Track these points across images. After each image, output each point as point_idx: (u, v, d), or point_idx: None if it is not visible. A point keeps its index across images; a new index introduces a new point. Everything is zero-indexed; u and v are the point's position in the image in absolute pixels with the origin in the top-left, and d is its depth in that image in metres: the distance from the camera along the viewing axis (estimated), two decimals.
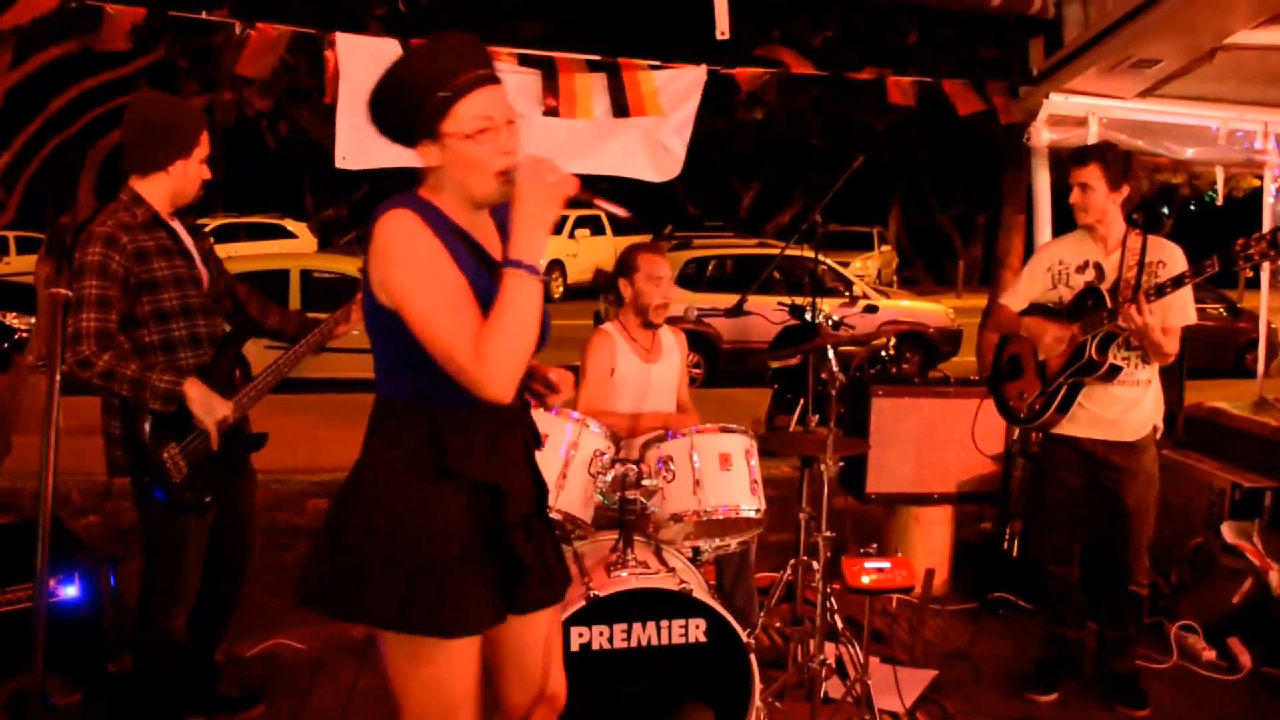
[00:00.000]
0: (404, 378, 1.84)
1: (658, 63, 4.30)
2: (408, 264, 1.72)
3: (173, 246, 2.78)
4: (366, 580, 1.80)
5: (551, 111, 4.06)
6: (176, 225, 2.83)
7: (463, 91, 1.74)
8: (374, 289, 1.78)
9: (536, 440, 2.04)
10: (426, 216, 1.77)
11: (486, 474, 1.84)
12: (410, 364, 1.79)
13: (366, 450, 1.90)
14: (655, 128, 4.27)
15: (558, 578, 2.03)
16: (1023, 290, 3.46)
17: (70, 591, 3.25)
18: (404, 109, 1.77)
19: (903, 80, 4.55)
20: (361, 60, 3.88)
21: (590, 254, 19.84)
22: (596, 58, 4.17)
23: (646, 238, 14.61)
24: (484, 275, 1.79)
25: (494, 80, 1.78)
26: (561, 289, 19.53)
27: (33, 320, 9.32)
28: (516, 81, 4.10)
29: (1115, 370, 3.19)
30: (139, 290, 2.69)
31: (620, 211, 1.80)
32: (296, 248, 19.22)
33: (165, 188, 2.77)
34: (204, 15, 3.84)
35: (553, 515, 2.86)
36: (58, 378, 2.03)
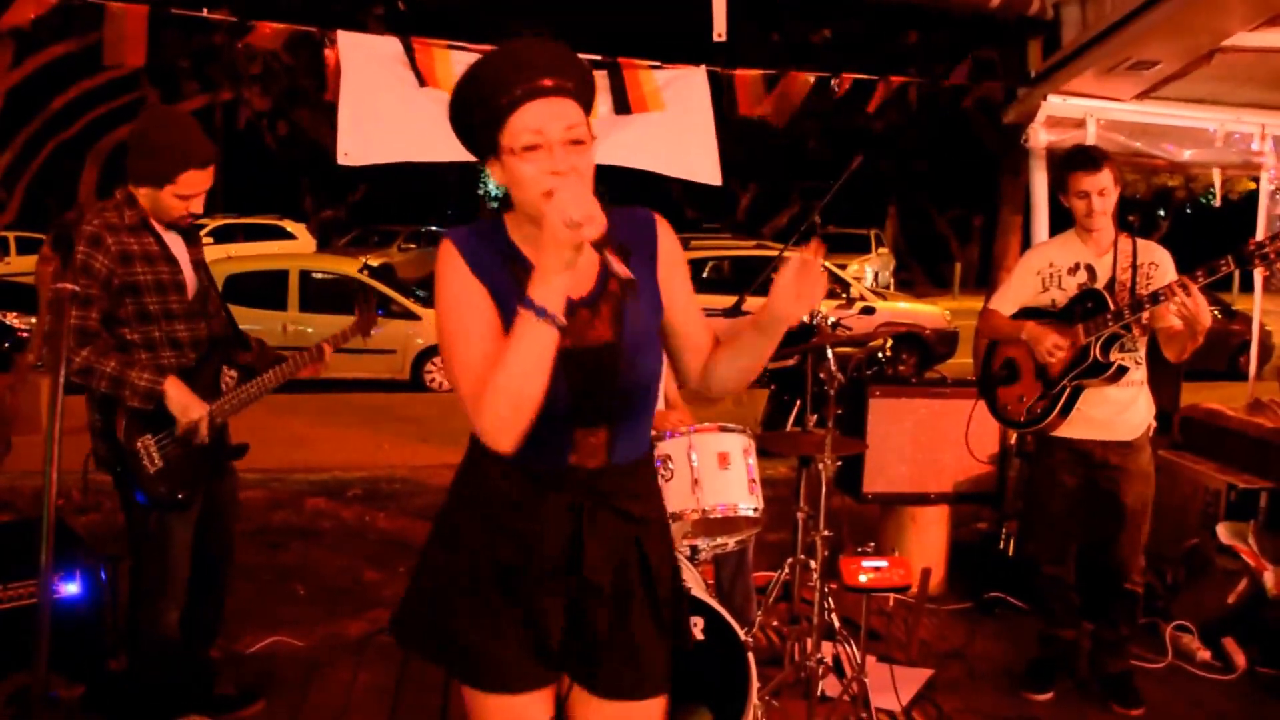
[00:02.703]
0: None
1: (657, 63, 4.31)
2: (438, 294, 1.68)
3: (157, 252, 2.79)
4: (421, 608, 1.80)
5: None
6: (169, 230, 2.84)
7: (517, 103, 1.60)
8: None
9: (629, 518, 1.77)
10: (470, 243, 1.69)
11: (512, 523, 1.72)
12: None
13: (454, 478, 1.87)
14: (673, 124, 4.26)
15: (631, 671, 1.79)
16: (1012, 294, 3.45)
17: (71, 589, 3.25)
18: (467, 121, 1.67)
19: (902, 82, 4.57)
20: (363, 57, 3.87)
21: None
22: (597, 57, 4.18)
23: None
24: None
25: (556, 92, 1.61)
26: None
27: (33, 320, 9.32)
28: None
29: (1122, 371, 3.19)
30: (122, 291, 2.72)
31: (623, 271, 1.55)
32: (295, 248, 19.22)
33: (144, 201, 2.78)
34: (204, 13, 3.84)
35: None
36: (62, 372, 2.04)
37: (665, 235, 1.79)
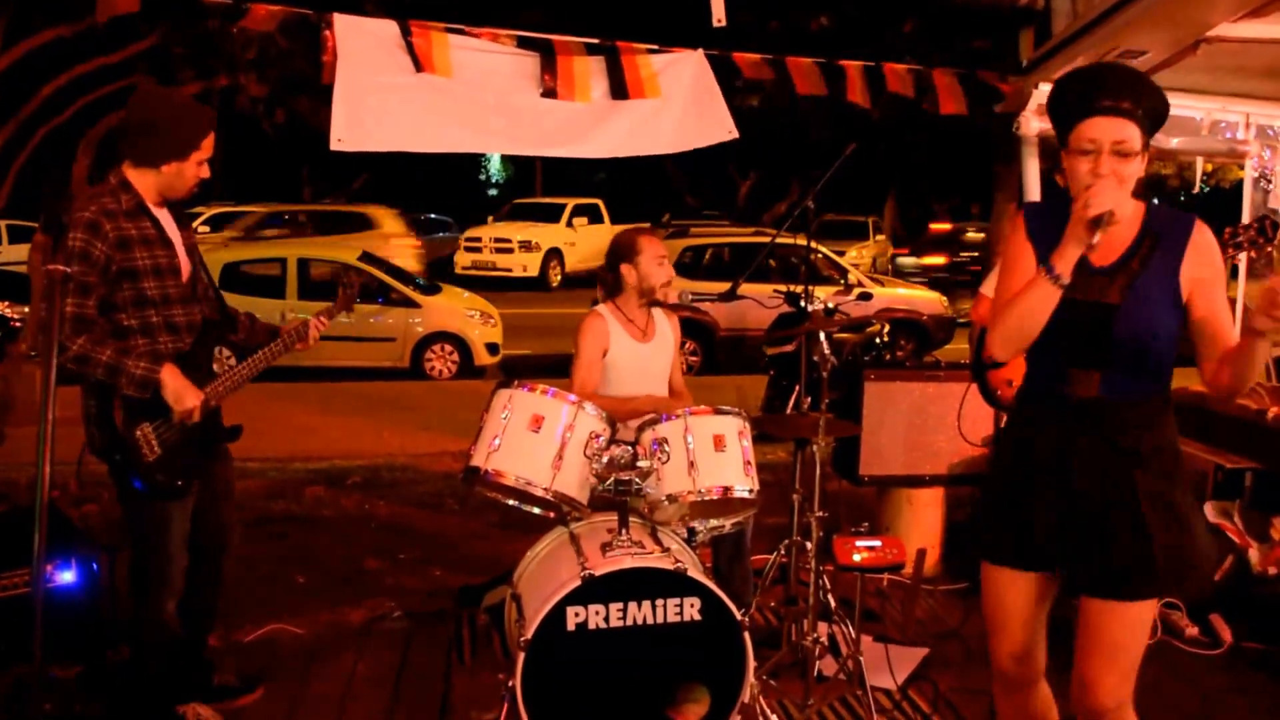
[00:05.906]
0: None
1: (655, 47, 4.31)
2: (1003, 251, 2.33)
3: (155, 236, 2.80)
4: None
5: (550, 92, 4.07)
6: (163, 214, 2.86)
7: (1084, 115, 2.08)
8: None
9: (1115, 446, 2.15)
10: (1038, 216, 2.25)
11: (1020, 433, 2.28)
12: None
13: None
14: (673, 107, 4.27)
15: (1109, 575, 2.15)
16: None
17: (66, 577, 3.25)
18: (1056, 108, 2.16)
19: (898, 69, 4.59)
20: (359, 41, 3.84)
21: (588, 242, 19.83)
22: (595, 40, 4.18)
23: (644, 226, 14.64)
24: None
25: (1115, 112, 2.07)
26: (560, 278, 19.54)
27: (26, 310, 9.31)
28: (514, 63, 4.11)
29: None
30: (120, 277, 2.72)
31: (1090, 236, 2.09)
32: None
33: (154, 182, 2.80)
34: None
35: (548, 498, 2.89)
36: (55, 356, 2.04)
37: (1200, 237, 2.15)
